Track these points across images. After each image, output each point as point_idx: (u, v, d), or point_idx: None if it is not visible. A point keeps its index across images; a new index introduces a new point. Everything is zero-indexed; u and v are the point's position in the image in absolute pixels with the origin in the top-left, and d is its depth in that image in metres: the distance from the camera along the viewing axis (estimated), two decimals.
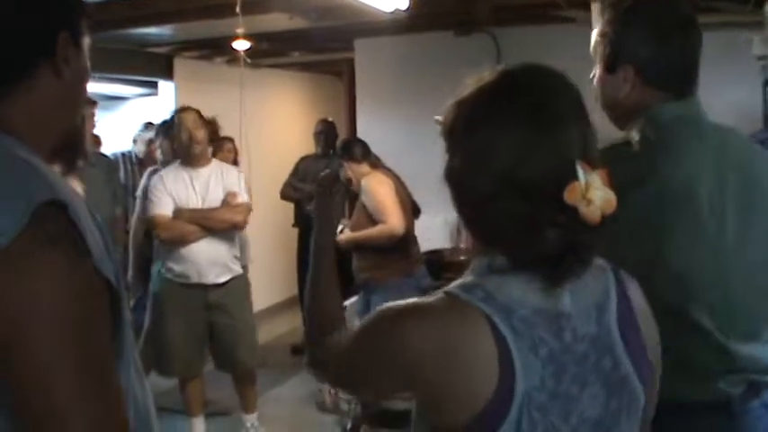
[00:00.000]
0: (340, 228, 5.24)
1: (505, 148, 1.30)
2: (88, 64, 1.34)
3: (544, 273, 1.30)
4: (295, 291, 8.02)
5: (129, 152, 7.64)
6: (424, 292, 4.50)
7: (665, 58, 2.00)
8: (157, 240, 4.98)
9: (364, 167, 5.33)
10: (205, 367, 5.24)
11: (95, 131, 6.21)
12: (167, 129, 5.38)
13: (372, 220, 5.16)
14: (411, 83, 7.36)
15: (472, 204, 1.37)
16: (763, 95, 5.43)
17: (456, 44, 7.16)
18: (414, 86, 7.28)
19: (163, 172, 5.02)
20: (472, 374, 1.27)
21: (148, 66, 8.51)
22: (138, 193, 5.78)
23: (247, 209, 5.00)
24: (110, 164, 5.95)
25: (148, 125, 7.58)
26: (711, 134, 2.04)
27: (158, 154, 6.13)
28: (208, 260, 4.85)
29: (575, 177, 1.26)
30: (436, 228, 5.57)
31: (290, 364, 6.87)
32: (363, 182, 5.21)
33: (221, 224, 4.86)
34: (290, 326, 8.03)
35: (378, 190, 5.18)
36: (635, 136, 1.97)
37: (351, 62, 8.40)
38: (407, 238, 5.29)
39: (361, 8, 5.19)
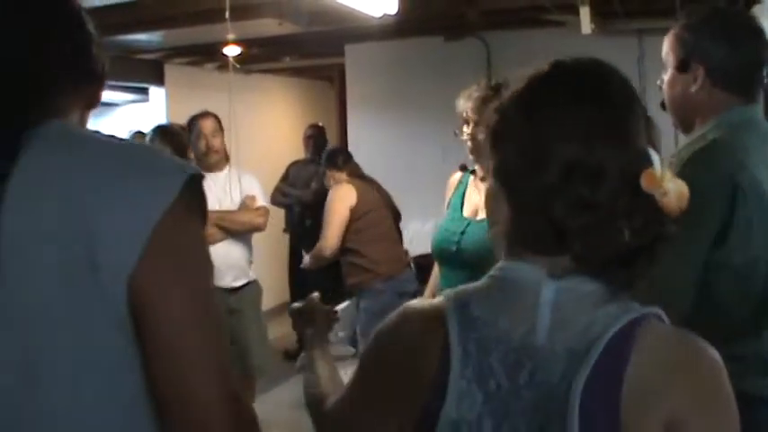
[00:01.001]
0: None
1: (573, 128, 1.18)
2: None
3: (611, 275, 1.17)
4: (287, 297, 8.01)
5: None
6: (411, 296, 4.57)
7: (734, 62, 2.10)
8: None
9: (343, 175, 5.37)
10: None
11: None
12: (164, 134, 5.36)
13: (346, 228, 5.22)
14: (402, 88, 7.38)
15: (536, 201, 1.19)
16: None
17: (446, 49, 7.18)
18: (404, 91, 7.30)
19: None
20: (410, 382, 1.23)
21: (139, 72, 8.51)
22: None
23: (267, 212, 4.97)
24: None
25: (137, 135, 7.55)
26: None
27: None
28: (226, 263, 4.75)
29: (649, 164, 1.17)
30: (426, 232, 5.59)
31: (282, 369, 6.86)
32: (330, 191, 5.27)
33: (242, 226, 4.83)
34: (282, 331, 8.02)
35: (332, 205, 5.22)
36: (710, 137, 2.05)
37: (341, 67, 8.42)
38: (388, 242, 5.33)
39: (351, 13, 5.20)
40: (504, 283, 1.22)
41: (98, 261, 1.08)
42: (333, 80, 9.31)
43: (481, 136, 3.19)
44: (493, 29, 6.90)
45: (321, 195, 7.52)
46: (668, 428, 1.09)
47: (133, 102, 9.64)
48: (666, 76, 2.21)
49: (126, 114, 9.74)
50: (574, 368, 1.11)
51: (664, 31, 7.02)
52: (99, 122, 9.69)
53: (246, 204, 4.86)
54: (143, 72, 8.56)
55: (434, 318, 1.23)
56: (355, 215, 5.18)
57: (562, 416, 1.09)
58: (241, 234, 4.84)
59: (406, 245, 5.70)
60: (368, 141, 7.80)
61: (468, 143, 3.26)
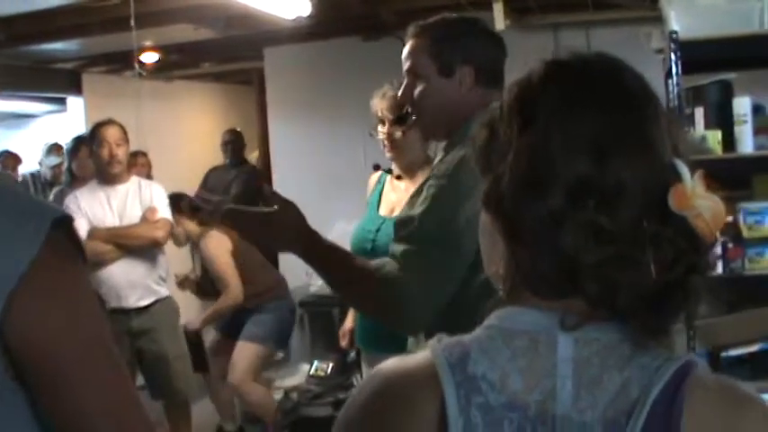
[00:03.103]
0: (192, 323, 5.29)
1: (580, 139, 0.94)
2: None
3: (638, 321, 0.93)
4: None
5: (38, 172, 7.50)
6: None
7: (492, 59, 2.17)
8: None
9: (194, 224, 5.28)
10: None
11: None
12: (79, 146, 5.29)
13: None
14: (322, 89, 7.39)
15: (539, 231, 0.94)
16: (665, 87, 5.60)
17: (365, 49, 7.20)
18: (325, 93, 7.31)
19: (78, 191, 4.71)
20: None
21: (55, 82, 8.37)
22: None
23: (168, 224, 4.66)
24: (14, 184, 5.83)
25: (52, 148, 7.41)
26: None
27: (65, 172, 5.97)
28: (127, 282, 4.51)
29: (677, 178, 0.93)
30: (350, 232, 5.63)
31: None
32: (201, 244, 5.22)
33: (139, 241, 4.53)
34: None
35: (215, 258, 5.18)
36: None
37: (261, 71, 8.39)
38: (267, 267, 5.48)
39: (264, 17, 5.20)
40: (509, 334, 0.96)
41: None
42: (253, 84, 9.27)
43: (398, 134, 3.23)
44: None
45: (241, 200, 7.55)
46: None
47: (51, 112, 9.49)
48: (421, 88, 2.17)
49: (43, 126, 9.59)
50: None
51: (579, 25, 7.19)
52: (15, 134, 9.52)
53: (146, 217, 4.59)
54: (60, 82, 8.42)
55: (423, 379, 0.96)
56: (235, 256, 5.18)
57: None
58: (141, 249, 4.57)
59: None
60: (290, 144, 7.79)
61: (385, 142, 3.30)
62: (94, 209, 4.54)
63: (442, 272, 1.92)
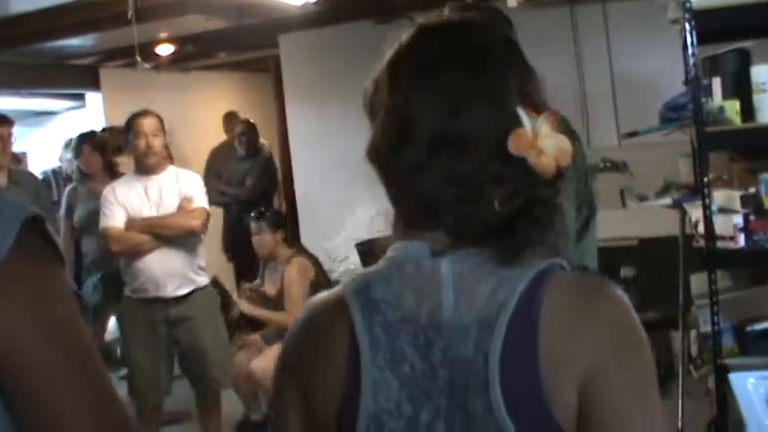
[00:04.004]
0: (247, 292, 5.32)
1: (433, 101, 1.11)
2: None
3: (495, 247, 1.09)
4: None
5: (60, 168, 7.54)
6: None
7: None
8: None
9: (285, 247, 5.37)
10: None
11: (17, 149, 6.10)
12: (89, 141, 5.30)
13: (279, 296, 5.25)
14: (336, 74, 7.35)
15: (403, 178, 1.13)
16: (684, 59, 5.53)
17: (378, 32, 7.08)
18: (339, 77, 7.25)
19: (115, 183, 4.71)
20: (324, 382, 1.15)
21: (73, 78, 8.41)
22: (61, 213, 5.70)
23: (204, 213, 4.61)
24: (35, 182, 5.85)
25: (70, 143, 7.47)
26: None
27: (75, 170, 5.97)
28: (165, 271, 4.47)
29: (518, 124, 1.09)
30: (370, 218, 5.61)
31: None
32: (288, 265, 5.25)
33: (176, 231, 4.49)
34: None
35: (298, 280, 5.22)
36: None
37: (277, 58, 8.37)
38: None
39: (275, 4, 5.17)
40: (401, 262, 1.14)
41: None
42: (270, 71, 9.25)
43: None
44: (422, 9, 6.86)
45: (257, 192, 7.54)
46: (586, 378, 1.04)
47: (71, 109, 9.54)
48: None
49: (64, 122, 9.63)
50: (487, 338, 1.06)
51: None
52: (37, 132, 9.57)
53: (182, 207, 4.55)
54: (78, 78, 8.46)
55: (336, 307, 1.15)
56: (314, 287, 5.16)
57: (483, 387, 1.05)
58: (177, 239, 4.53)
59: (352, 231, 5.70)
60: (307, 129, 7.78)
61: None
62: (131, 200, 4.53)
63: None
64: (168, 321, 4.53)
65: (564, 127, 1.92)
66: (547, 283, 1.08)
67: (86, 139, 5.75)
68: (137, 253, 4.45)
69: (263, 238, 5.22)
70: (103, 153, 5.69)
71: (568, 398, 1.04)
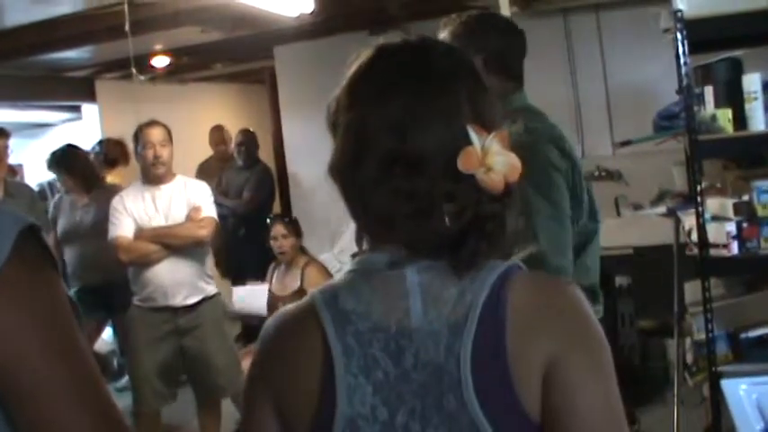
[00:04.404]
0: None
1: (387, 123, 1.15)
2: None
3: (448, 261, 1.15)
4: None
5: (55, 180, 7.54)
6: None
7: (508, 51, 2.40)
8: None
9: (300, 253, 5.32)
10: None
11: (13, 161, 6.10)
12: (62, 162, 5.35)
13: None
14: (331, 85, 7.30)
15: (360, 194, 1.18)
16: (677, 68, 5.55)
17: (372, 43, 7.17)
18: (335, 88, 7.28)
19: (123, 192, 4.73)
20: (299, 387, 1.18)
21: (70, 90, 8.42)
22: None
23: (212, 223, 4.64)
24: (31, 193, 5.86)
25: None
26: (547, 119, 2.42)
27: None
28: (174, 281, 4.50)
29: (469, 142, 1.13)
30: None
31: None
32: (306, 269, 5.20)
33: (184, 240, 4.52)
34: None
35: (317, 283, 5.22)
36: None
37: (272, 69, 8.39)
38: None
39: (269, 16, 5.19)
40: (367, 273, 1.20)
41: None
42: (265, 83, 9.27)
43: None
44: (416, 19, 6.90)
45: (254, 205, 7.41)
46: (549, 368, 1.10)
47: (67, 121, 9.54)
48: None
49: (60, 134, 9.62)
50: (457, 341, 1.12)
51: (589, 8, 7.03)
52: (34, 144, 9.58)
53: (191, 216, 4.57)
54: (74, 90, 8.48)
55: (307, 317, 1.20)
56: None
57: (456, 387, 1.10)
58: (186, 249, 4.55)
59: (347, 243, 5.70)
60: (303, 140, 7.78)
61: None
62: (140, 209, 4.56)
63: None
64: (177, 330, 4.56)
65: (560, 143, 1.98)
66: (508, 284, 1.14)
67: (55, 161, 5.75)
68: (146, 262, 4.48)
69: (289, 241, 5.23)
70: (74, 171, 5.68)
71: (535, 389, 1.10)
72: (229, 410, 5.24)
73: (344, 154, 1.20)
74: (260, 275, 5.68)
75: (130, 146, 5.15)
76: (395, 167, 1.14)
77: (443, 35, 2.40)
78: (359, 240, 1.25)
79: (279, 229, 5.20)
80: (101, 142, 6.95)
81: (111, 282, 5.17)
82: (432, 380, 1.13)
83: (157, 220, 4.55)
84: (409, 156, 1.14)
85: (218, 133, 8.15)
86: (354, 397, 1.14)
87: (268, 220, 5.35)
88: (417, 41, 1.25)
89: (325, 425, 1.15)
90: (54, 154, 5.65)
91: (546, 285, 1.21)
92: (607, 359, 1.15)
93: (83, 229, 5.44)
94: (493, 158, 1.13)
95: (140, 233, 4.51)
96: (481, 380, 1.10)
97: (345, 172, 1.20)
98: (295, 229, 5.26)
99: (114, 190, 5.14)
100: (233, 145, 7.79)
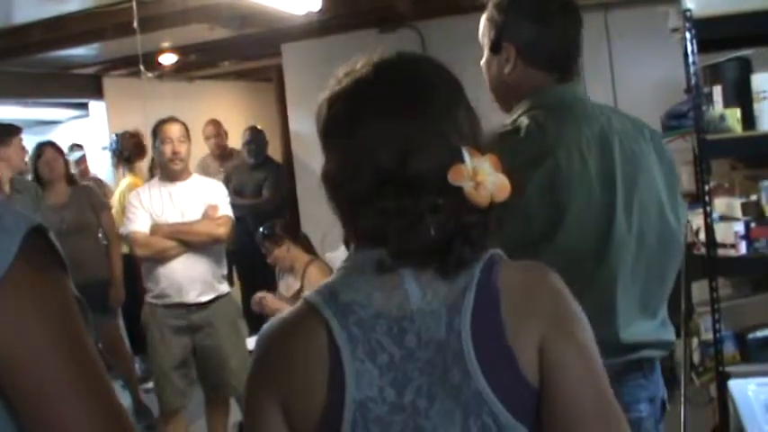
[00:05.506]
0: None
1: (389, 144, 1.21)
2: None
3: (434, 266, 1.22)
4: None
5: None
6: None
7: (544, 40, 2.05)
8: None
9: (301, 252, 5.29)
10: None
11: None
12: (42, 149, 5.44)
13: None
14: None
15: (350, 206, 1.26)
16: (685, 67, 5.54)
17: (381, 41, 7.12)
18: None
19: (140, 188, 4.77)
20: (306, 383, 1.21)
21: (77, 87, 8.43)
22: None
23: (229, 221, 4.64)
24: (36, 190, 5.87)
25: (74, 146, 7.50)
26: (595, 115, 2.05)
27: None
28: (188, 278, 4.49)
29: (460, 160, 1.20)
30: None
31: None
32: (307, 270, 5.18)
33: (201, 238, 4.52)
34: None
35: (319, 281, 5.20)
36: (523, 120, 2.00)
37: (280, 67, 8.38)
38: None
39: (277, 13, 5.19)
40: (360, 267, 1.26)
41: None
42: (273, 80, 9.27)
43: None
44: (426, 18, 6.90)
45: (275, 203, 7.32)
46: (543, 340, 1.20)
47: (75, 118, 9.56)
48: (483, 59, 2.16)
49: (68, 131, 9.65)
50: (456, 317, 1.20)
51: (597, 7, 6.96)
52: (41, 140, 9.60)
53: (208, 214, 4.57)
54: (81, 87, 8.49)
55: (308, 315, 1.25)
56: None
57: (460, 360, 1.18)
58: (202, 246, 4.55)
59: None
60: (310, 139, 7.73)
61: None
62: (157, 205, 4.56)
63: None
64: (190, 327, 4.56)
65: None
66: (496, 268, 1.24)
67: (48, 145, 5.77)
68: (161, 258, 4.48)
69: (275, 256, 5.20)
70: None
71: (531, 356, 1.19)
72: (232, 408, 5.25)
73: (341, 167, 1.27)
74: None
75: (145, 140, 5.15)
76: (389, 187, 1.20)
77: (486, 13, 2.11)
78: (347, 243, 1.32)
79: (265, 246, 5.19)
80: (117, 138, 6.87)
81: (85, 284, 5.16)
82: (436, 356, 1.20)
83: (174, 217, 4.54)
84: (407, 178, 1.20)
85: (210, 126, 7.87)
86: (362, 381, 1.19)
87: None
88: (413, 58, 1.34)
89: (335, 412, 1.19)
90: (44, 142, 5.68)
91: (534, 270, 1.29)
92: (590, 338, 1.24)
93: (64, 229, 5.41)
94: (486, 177, 1.21)
95: (157, 229, 4.50)
96: (483, 352, 1.18)
97: (339, 185, 1.27)
98: (271, 238, 5.18)
99: (89, 189, 5.14)
100: (241, 142, 7.64)
